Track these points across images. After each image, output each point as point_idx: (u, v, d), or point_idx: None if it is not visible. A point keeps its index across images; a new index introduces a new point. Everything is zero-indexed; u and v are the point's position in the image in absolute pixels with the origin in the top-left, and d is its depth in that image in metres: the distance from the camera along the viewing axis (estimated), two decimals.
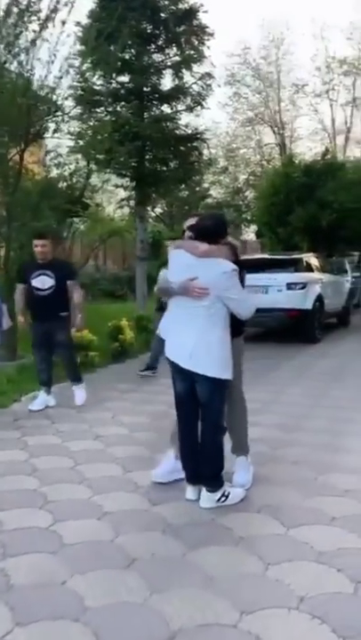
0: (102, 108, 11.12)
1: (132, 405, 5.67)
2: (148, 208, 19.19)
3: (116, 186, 15.05)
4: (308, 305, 9.31)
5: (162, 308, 5.61)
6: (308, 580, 2.53)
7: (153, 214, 24.55)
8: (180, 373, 3.26)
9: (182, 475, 3.45)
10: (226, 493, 3.27)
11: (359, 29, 28.42)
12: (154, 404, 5.57)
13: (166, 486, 3.55)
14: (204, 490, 3.27)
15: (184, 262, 3.20)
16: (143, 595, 2.44)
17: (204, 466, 3.28)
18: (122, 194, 15.63)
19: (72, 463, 4.04)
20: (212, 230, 3.23)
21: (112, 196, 23.14)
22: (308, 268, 10.05)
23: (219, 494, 3.24)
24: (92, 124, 10.02)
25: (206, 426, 3.27)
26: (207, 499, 3.25)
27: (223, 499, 3.25)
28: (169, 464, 3.61)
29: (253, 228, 27.52)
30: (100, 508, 3.30)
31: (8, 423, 5.08)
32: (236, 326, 3.37)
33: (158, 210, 26.10)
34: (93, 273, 19.93)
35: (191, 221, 3.47)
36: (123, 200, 16.69)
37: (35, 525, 3.10)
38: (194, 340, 3.16)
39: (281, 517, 3.15)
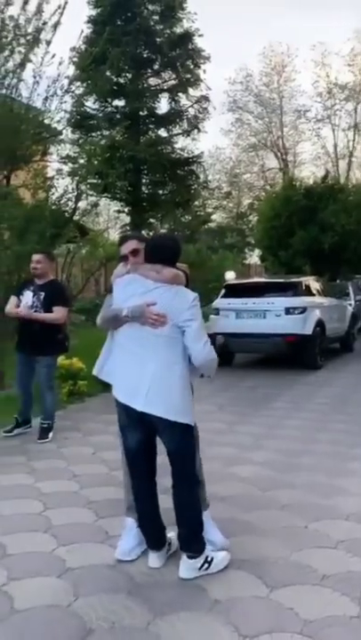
0: (98, 132, 11.01)
1: (115, 439, 5.29)
2: (151, 233, 19.12)
3: (118, 211, 14.94)
4: (308, 330, 8.96)
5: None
6: None
7: None
8: (134, 421, 2.77)
9: None
10: (209, 559, 2.77)
11: (360, 56, 28.68)
12: None
13: None
14: (183, 557, 2.76)
15: (139, 290, 2.76)
16: None
17: (181, 528, 2.80)
18: (127, 219, 15.57)
19: (41, 507, 3.69)
20: (174, 252, 2.83)
21: (117, 222, 23.10)
22: (308, 292, 9.73)
23: (201, 561, 2.75)
24: (87, 148, 9.88)
25: (179, 479, 2.77)
26: (188, 567, 2.74)
27: (206, 565, 2.75)
28: (132, 538, 2.99)
29: (258, 251, 27.38)
30: (63, 564, 2.94)
31: None
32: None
33: None
34: (94, 298, 19.74)
35: (132, 245, 2.95)
36: (125, 225, 16.61)
37: None
38: (151, 375, 2.71)
39: (264, 576, 2.78)
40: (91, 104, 10.68)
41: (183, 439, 2.75)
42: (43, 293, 5.14)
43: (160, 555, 2.88)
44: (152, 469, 2.87)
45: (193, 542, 2.77)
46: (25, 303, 5.14)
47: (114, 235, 26.03)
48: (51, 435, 5.29)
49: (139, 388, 2.72)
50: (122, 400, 2.81)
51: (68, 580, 2.78)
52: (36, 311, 5.12)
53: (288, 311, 8.91)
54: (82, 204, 8.10)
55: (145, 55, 11.09)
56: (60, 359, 7.17)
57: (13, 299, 5.27)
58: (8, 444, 5.21)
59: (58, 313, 5.18)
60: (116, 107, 11.16)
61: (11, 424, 5.47)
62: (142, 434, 2.79)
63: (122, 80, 10.94)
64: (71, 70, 8.67)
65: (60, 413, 6.44)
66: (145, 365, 2.72)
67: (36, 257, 5.23)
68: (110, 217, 26.59)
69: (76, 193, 7.63)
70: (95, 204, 8.61)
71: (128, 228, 15.44)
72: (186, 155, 11.49)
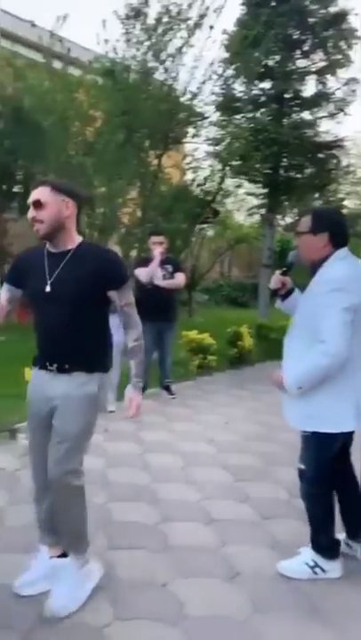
0: (242, 115, 11.11)
1: (246, 413, 5.55)
2: (279, 216, 18.92)
3: (248, 193, 14.98)
4: None
5: None
6: None
7: (282, 223, 24.10)
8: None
9: None
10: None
11: None
12: (270, 415, 5.39)
13: (279, 503, 3.40)
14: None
15: None
16: (245, 612, 2.33)
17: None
18: (253, 202, 15.58)
19: (182, 463, 4.03)
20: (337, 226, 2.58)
21: (243, 204, 23.06)
22: None
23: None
24: (230, 129, 10.04)
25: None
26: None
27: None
28: (39, 569, 2.44)
29: None
30: (208, 514, 3.24)
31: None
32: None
33: (288, 219, 25.64)
34: (218, 279, 20.03)
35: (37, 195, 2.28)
36: (253, 208, 16.59)
37: (141, 521, 3.12)
38: None
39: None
40: (237, 86, 10.80)
41: None
42: (170, 266, 5.68)
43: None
44: None
45: None
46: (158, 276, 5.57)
47: (239, 218, 26.03)
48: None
49: None
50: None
51: (215, 529, 3.05)
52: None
53: None
54: (223, 186, 8.30)
55: (295, 36, 10.95)
56: (193, 334, 7.53)
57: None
58: (147, 405, 5.64)
59: (181, 278, 5.79)
60: (262, 89, 11.18)
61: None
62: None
63: (270, 62, 10.92)
64: (222, 53, 8.87)
65: (191, 383, 6.81)
66: None
67: (160, 238, 5.66)
68: (238, 199, 26.53)
69: (220, 174, 7.85)
70: (238, 186, 8.77)
71: (256, 210, 15.40)
72: (329, 138, 11.25)
